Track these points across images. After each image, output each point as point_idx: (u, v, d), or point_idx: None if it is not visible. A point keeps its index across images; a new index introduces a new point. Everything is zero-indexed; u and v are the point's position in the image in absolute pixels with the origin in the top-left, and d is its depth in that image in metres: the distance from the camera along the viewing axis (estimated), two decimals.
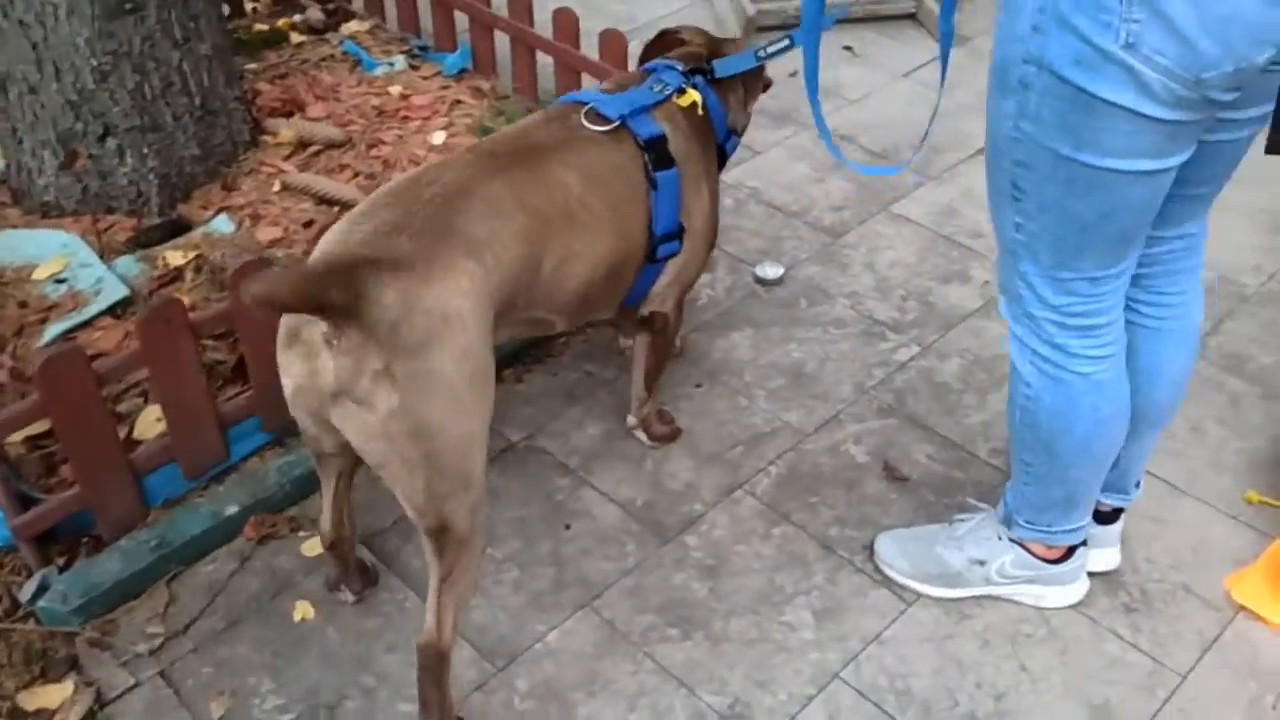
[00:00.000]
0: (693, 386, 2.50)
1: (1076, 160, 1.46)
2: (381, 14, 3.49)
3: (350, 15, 3.48)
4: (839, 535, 2.17)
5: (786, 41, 2.09)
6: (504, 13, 3.04)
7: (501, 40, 3.14)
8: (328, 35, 3.34)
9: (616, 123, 1.92)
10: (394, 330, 1.46)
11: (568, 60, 2.89)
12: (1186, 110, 1.38)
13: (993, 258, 2.88)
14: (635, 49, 2.45)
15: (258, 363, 2.09)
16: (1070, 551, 1.98)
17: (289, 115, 2.91)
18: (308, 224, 2.56)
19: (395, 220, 1.57)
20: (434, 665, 1.70)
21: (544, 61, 3.03)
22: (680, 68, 2.09)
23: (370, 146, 2.82)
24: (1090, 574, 2.05)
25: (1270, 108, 1.47)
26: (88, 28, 2.37)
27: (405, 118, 2.94)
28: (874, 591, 2.06)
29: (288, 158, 2.77)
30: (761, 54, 2.11)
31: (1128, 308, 1.76)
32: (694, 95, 2.04)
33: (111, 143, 2.50)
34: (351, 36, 3.33)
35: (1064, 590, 2.02)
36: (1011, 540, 2.00)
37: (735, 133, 2.20)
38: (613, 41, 2.74)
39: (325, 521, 1.89)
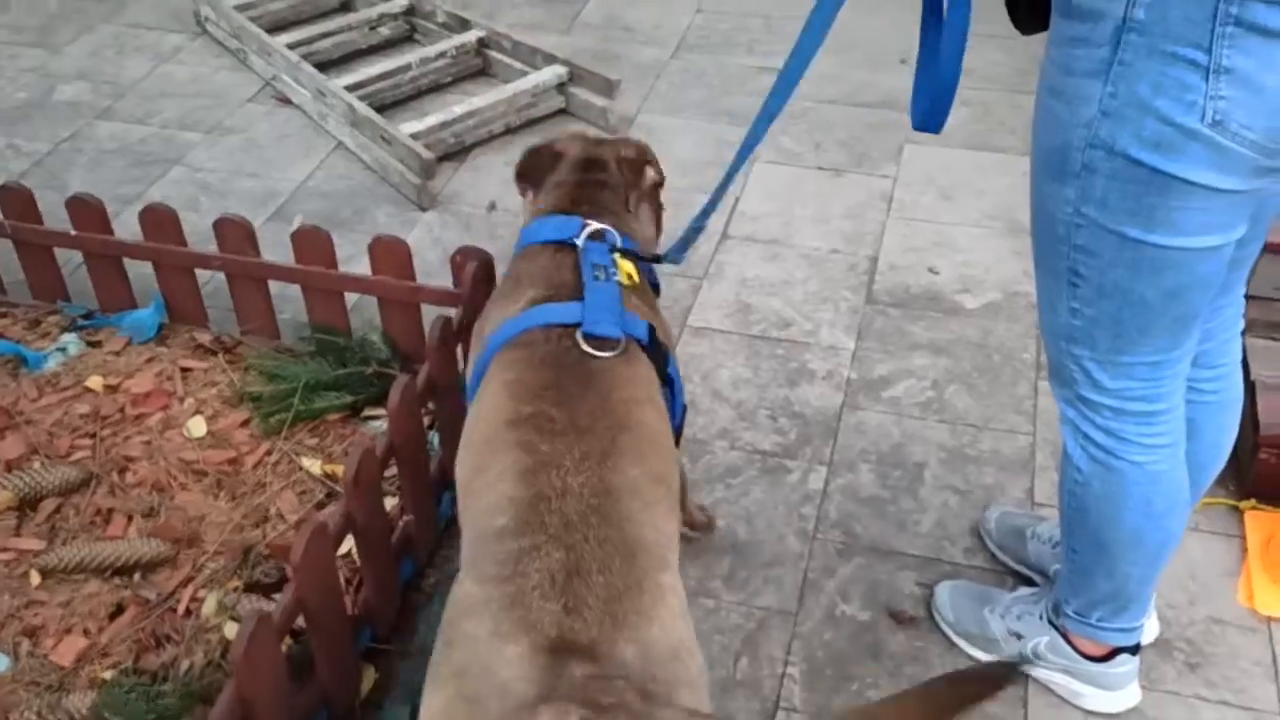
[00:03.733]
0: None
1: (1146, 242, 1.44)
2: None
3: None
4: None
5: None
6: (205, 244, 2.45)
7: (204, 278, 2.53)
8: None
9: (622, 341, 1.59)
10: (647, 691, 1.20)
11: (319, 284, 2.39)
12: (1263, 178, 1.38)
13: (811, 343, 2.82)
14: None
15: None
16: (1115, 653, 1.90)
17: None
18: (114, 614, 1.89)
19: (565, 561, 1.26)
20: None
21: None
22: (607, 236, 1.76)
23: (120, 471, 2.14)
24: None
25: None
26: None
27: (138, 417, 2.27)
28: None
29: (17, 531, 2.03)
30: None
31: (1188, 388, 1.71)
32: (628, 266, 1.75)
33: None
34: None
35: (1106, 695, 1.93)
36: (1053, 624, 1.93)
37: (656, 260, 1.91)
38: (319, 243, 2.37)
39: None
